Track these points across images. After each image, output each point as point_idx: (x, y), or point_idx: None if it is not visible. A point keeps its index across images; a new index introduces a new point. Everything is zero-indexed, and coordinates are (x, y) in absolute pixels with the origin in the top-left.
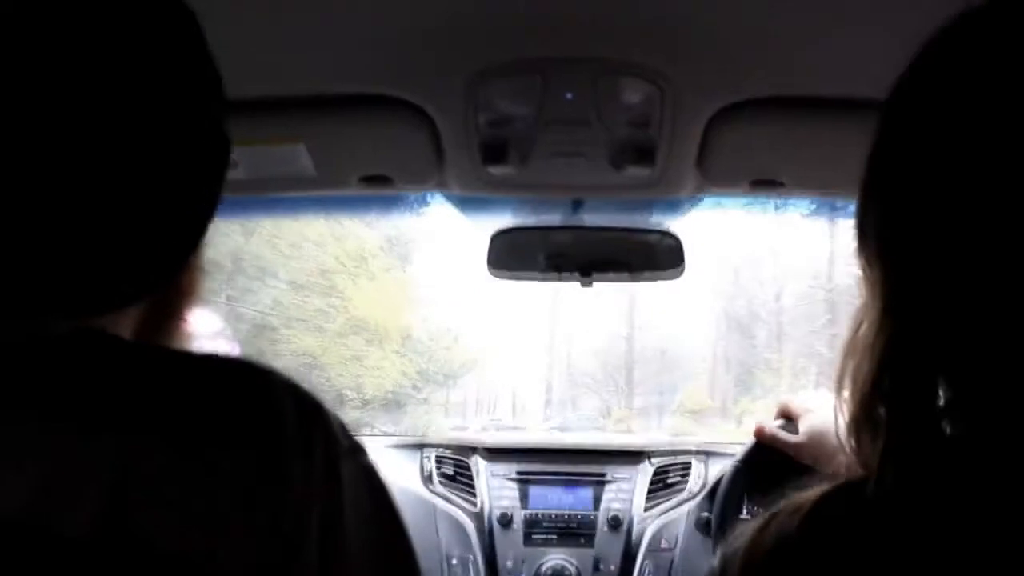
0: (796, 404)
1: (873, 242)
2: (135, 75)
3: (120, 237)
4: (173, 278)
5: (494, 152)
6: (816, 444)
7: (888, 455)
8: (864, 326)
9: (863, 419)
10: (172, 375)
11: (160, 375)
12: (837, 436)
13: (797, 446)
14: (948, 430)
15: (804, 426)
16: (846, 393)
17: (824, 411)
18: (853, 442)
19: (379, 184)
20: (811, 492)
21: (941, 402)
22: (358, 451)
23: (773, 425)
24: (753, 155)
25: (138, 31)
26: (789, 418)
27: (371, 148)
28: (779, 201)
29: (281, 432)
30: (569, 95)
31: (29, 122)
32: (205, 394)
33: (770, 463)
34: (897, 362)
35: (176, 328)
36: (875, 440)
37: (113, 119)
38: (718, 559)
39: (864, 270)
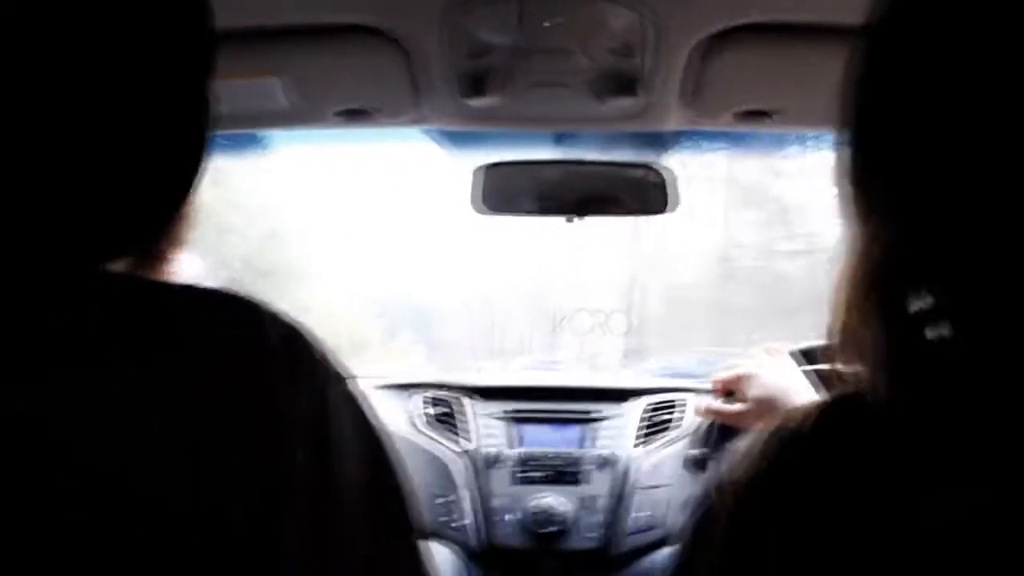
0: (730, 377)
1: (861, 158)
2: (129, 28)
3: (115, 187)
4: (165, 228)
5: (473, 83)
6: (763, 408)
7: (880, 365)
8: (852, 248)
9: (854, 333)
10: (160, 304)
11: (148, 304)
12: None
13: (741, 415)
14: (930, 335)
15: (748, 394)
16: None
17: (764, 376)
18: (845, 360)
19: (357, 118)
20: (813, 403)
21: (923, 309)
22: (342, 379)
23: (713, 402)
24: (740, 85)
25: None
26: (729, 392)
27: (348, 81)
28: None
29: (266, 355)
30: (548, 23)
31: (28, 80)
32: (191, 319)
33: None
34: (888, 273)
35: (163, 273)
36: (866, 354)
37: (107, 75)
38: (705, 487)
39: (849, 189)
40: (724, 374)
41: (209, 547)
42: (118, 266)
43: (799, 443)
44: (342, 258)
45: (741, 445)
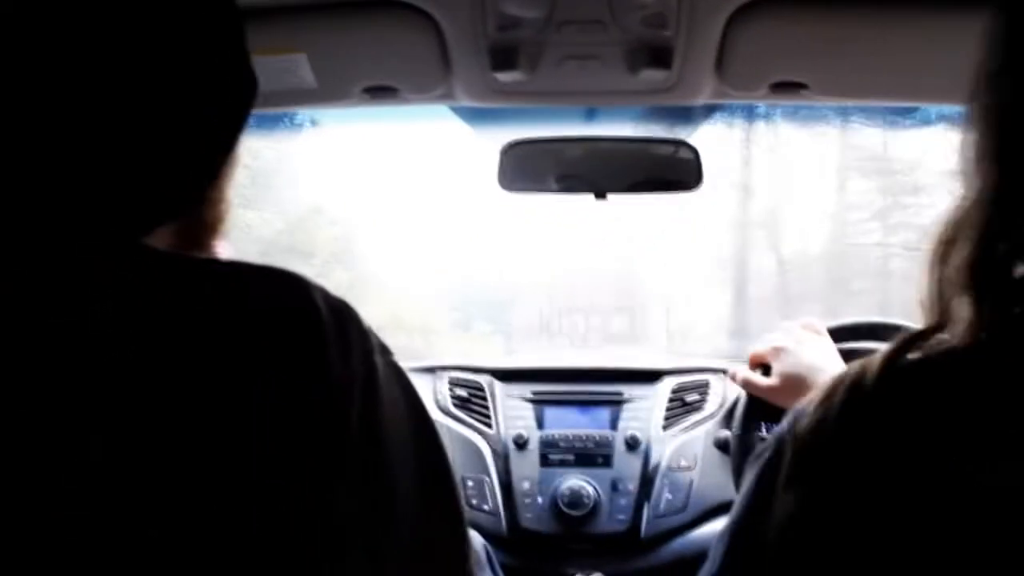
0: (765, 350)
1: (989, 129)
2: (163, 13)
3: (143, 161)
4: (196, 203)
5: (503, 57)
6: (791, 384)
7: (968, 327)
8: (965, 210)
9: (948, 292)
10: (212, 278)
11: (203, 279)
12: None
13: (771, 389)
14: None
15: (777, 368)
16: (938, 267)
17: (797, 351)
18: (938, 311)
19: (384, 95)
20: (876, 355)
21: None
22: (388, 351)
23: (748, 373)
24: (775, 56)
25: None
26: (764, 366)
27: (375, 57)
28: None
29: (317, 324)
30: None
31: (64, 62)
32: (244, 292)
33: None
34: (992, 230)
35: (205, 251)
36: (954, 314)
37: (142, 58)
38: (791, 412)
39: (972, 157)
40: (761, 347)
41: (268, 513)
42: (159, 243)
43: (864, 392)
44: (408, 246)
45: (806, 398)
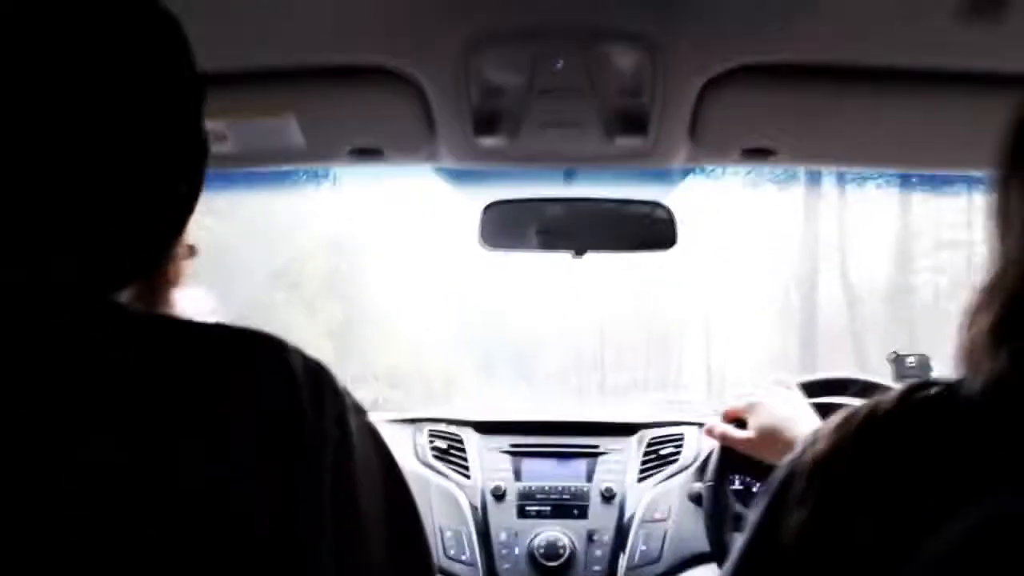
0: (740, 405)
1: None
2: (119, 79)
3: (108, 225)
4: (159, 264)
5: (486, 123)
6: (767, 437)
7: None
8: (997, 272)
9: (980, 349)
10: (190, 339)
11: (181, 339)
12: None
13: (747, 441)
14: None
15: (753, 422)
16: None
17: (771, 405)
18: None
19: (370, 156)
20: (892, 391)
21: None
22: (362, 411)
23: (723, 427)
24: (746, 123)
25: (121, 39)
26: (739, 420)
27: (362, 119)
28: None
29: (293, 384)
30: (560, 64)
31: (22, 128)
32: (223, 353)
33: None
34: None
35: (166, 306)
36: (991, 362)
37: (100, 121)
38: (807, 437)
39: (997, 227)
40: (735, 402)
41: (244, 566)
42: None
43: (880, 420)
44: (429, 292)
45: (822, 425)
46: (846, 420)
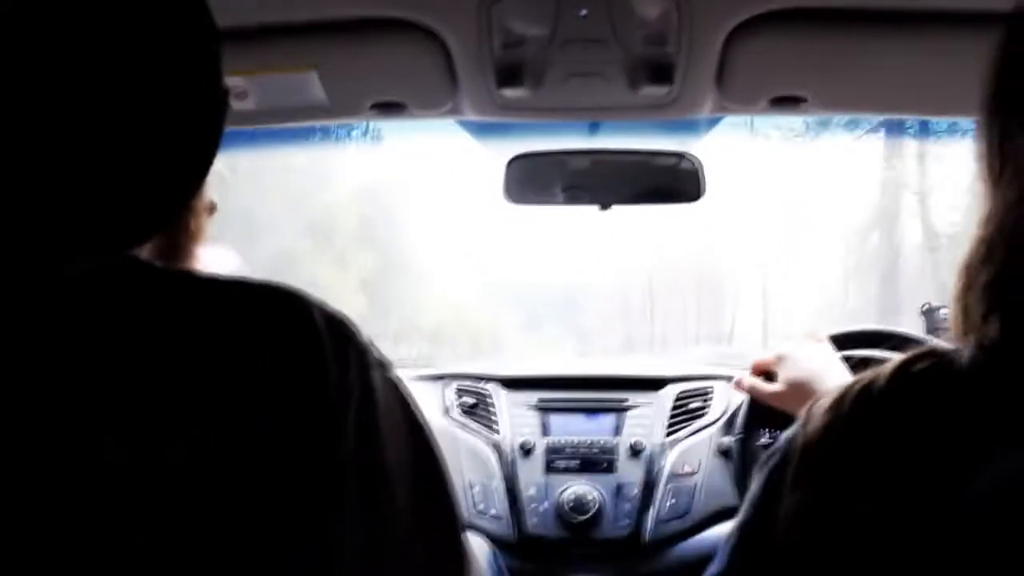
0: (769, 359)
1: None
2: (134, 31)
3: (125, 179)
4: (177, 217)
5: (509, 74)
6: (795, 390)
7: (986, 339)
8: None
9: (984, 307)
10: (211, 294)
11: (201, 294)
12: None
13: (776, 395)
14: None
15: (782, 375)
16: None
17: (801, 358)
18: (963, 329)
19: (392, 111)
20: (890, 362)
21: None
22: (386, 365)
23: (752, 379)
24: (774, 71)
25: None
26: (766, 373)
27: (384, 74)
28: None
29: (315, 339)
30: (584, 12)
31: (38, 82)
32: (244, 308)
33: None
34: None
35: (186, 264)
36: (986, 317)
37: (116, 72)
38: (802, 413)
39: (990, 173)
40: (765, 355)
41: (267, 529)
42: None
43: (874, 397)
44: (473, 245)
45: (815, 402)
46: (839, 399)
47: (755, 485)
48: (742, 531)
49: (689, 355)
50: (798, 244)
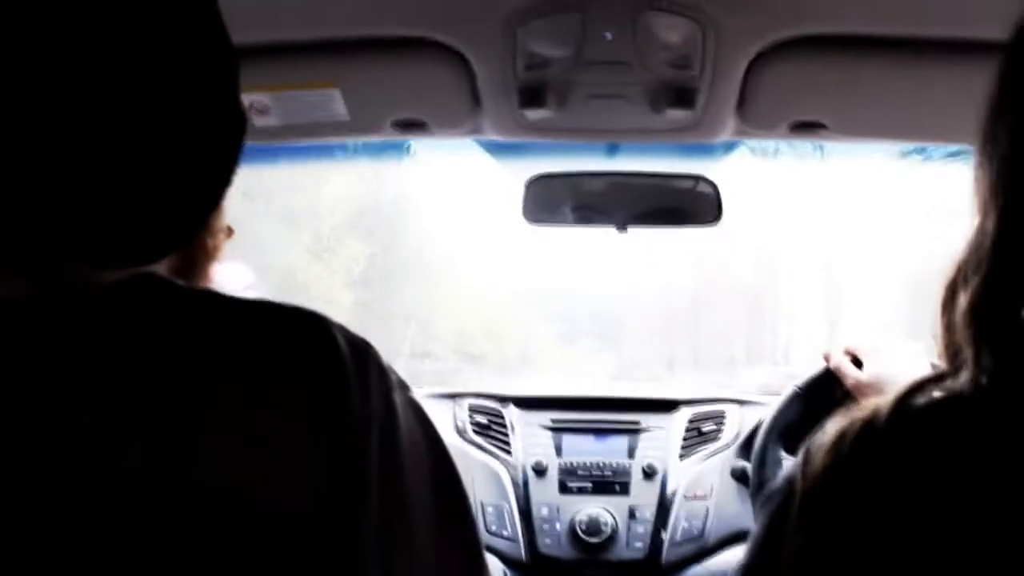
0: (864, 346)
1: (998, 163)
2: (151, 48)
3: (146, 195)
4: (195, 235)
5: (531, 95)
6: (877, 383)
7: (989, 362)
8: (970, 252)
9: (965, 332)
10: (233, 315)
11: (223, 315)
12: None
13: (859, 383)
14: None
15: (869, 365)
16: (947, 310)
17: (892, 355)
18: (949, 355)
19: (413, 129)
20: (888, 397)
21: None
22: (406, 387)
23: (841, 358)
24: (795, 96)
25: (159, 11)
26: (855, 358)
27: (406, 92)
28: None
29: (338, 363)
30: (608, 34)
31: (56, 98)
32: (265, 331)
33: (824, 398)
34: (1004, 280)
35: (202, 284)
36: (976, 341)
37: (136, 92)
38: (801, 453)
39: (982, 191)
40: (859, 342)
41: (287, 552)
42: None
43: (875, 437)
44: (507, 249)
45: (819, 437)
46: (839, 438)
47: (757, 527)
48: (746, 573)
49: (741, 376)
50: (862, 261)
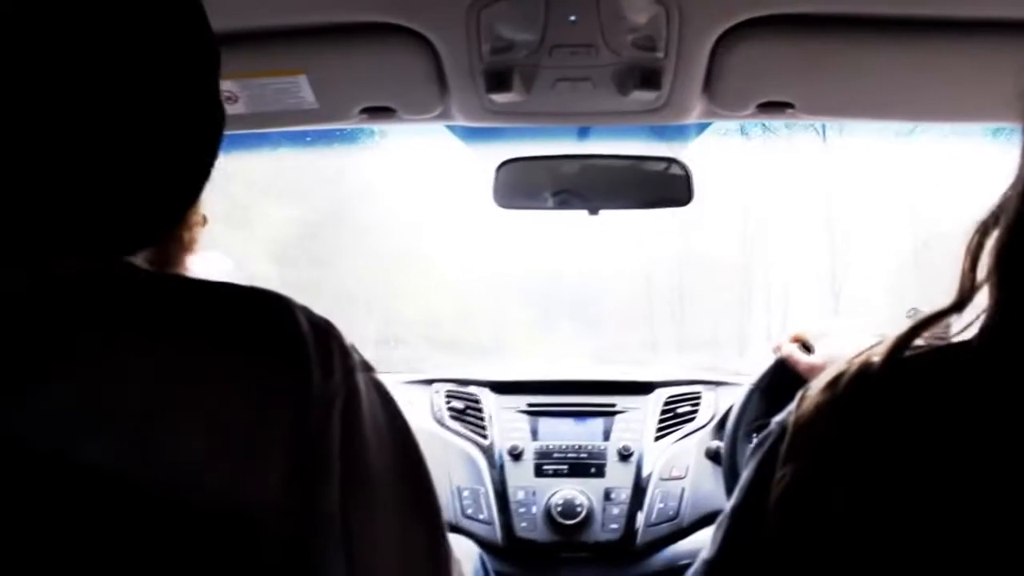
0: (812, 331)
1: None
2: (133, 42)
3: (125, 189)
4: (172, 228)
5: (498, 79)
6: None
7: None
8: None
9: (988, 272)
10: (195, 297)
11: (185, 297)
12: None
13: (811, 367)
14: None
15: (820, 350)
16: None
17: (842, 339)
18: (965, 292)
19: (381, 115)
20: (881, 347)
21: None
22: (370, 368)
23: (790, 347)
24: (762, 76)
25: (141, 7)
26: (805, 344)
27: (373, 78)
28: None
29: (300, 341)
30: (573, 17)
31: (37, 93)
32: (227, 311)
33: (783, 389)
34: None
35: (180, 269)
36: (999, 275)
37: (118, 86)
38: (774, 425)
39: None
40: (807, 328)
41: (245, 527)
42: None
43: (870, 381)
44: (480, 230)
45: (814, 383)
46: (835, 380)
47: (748, 470)
48: (734, 515)
49: (733, 358)
50: (862, 245)
